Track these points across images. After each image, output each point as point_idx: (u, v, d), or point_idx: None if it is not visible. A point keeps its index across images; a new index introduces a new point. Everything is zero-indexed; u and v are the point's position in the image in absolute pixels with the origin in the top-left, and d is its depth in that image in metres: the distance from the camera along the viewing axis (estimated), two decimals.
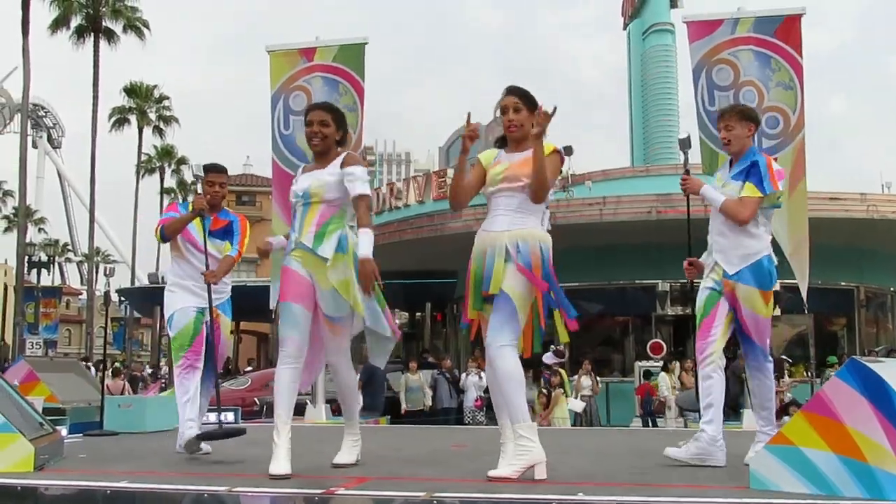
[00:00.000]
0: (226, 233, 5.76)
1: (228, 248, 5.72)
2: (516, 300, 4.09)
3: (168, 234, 5.61)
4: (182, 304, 5.54)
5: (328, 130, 4.67)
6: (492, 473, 3.99)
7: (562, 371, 14.32)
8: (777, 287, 4.89)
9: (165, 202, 52.36)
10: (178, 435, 5.35)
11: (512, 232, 4.18)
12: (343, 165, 4.58)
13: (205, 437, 5.12)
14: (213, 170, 5.73)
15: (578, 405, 14.34)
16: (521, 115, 4.28)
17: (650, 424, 14.37)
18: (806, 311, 16.20)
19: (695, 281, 4.97)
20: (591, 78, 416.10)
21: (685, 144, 4.93)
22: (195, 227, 5.58)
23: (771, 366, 4.71)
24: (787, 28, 8.16)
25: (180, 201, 5.82)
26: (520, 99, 4.31)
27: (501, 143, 4.45)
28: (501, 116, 4.37)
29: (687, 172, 4.92)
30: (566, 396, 13.93)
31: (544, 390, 13.85)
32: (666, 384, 14.60)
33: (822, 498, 3.35)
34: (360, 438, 4.83)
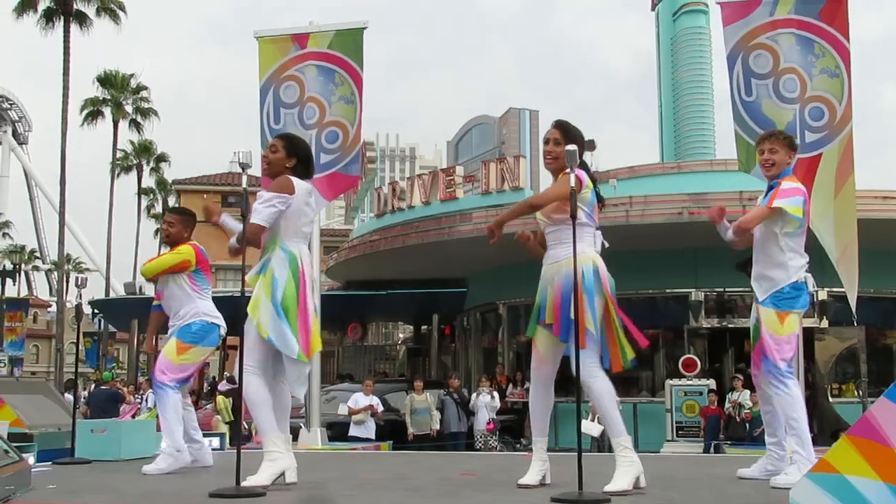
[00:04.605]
0: None
1: None
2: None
3: None
4: None
5: (274, 157, 5.27)
6: (608, 488, 4.42)
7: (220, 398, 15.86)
8: (824, 296, 5.41)
9: (143, 203, 52.49)
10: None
11: (559, 262, 4.80)
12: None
13: (216, 495, 4.69)
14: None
15: (595, 429, 13.96)
16: (558, 148, 4.88)
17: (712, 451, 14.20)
18: (855, 323, 16.28)
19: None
20: (617, 64, 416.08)
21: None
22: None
23: (789, 384, 5.08)
24: (832, 9, 8.10)
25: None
26: (561, 133, 4.96)
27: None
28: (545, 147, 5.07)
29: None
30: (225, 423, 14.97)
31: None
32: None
33: None
34: (278, 457, 4.91)
